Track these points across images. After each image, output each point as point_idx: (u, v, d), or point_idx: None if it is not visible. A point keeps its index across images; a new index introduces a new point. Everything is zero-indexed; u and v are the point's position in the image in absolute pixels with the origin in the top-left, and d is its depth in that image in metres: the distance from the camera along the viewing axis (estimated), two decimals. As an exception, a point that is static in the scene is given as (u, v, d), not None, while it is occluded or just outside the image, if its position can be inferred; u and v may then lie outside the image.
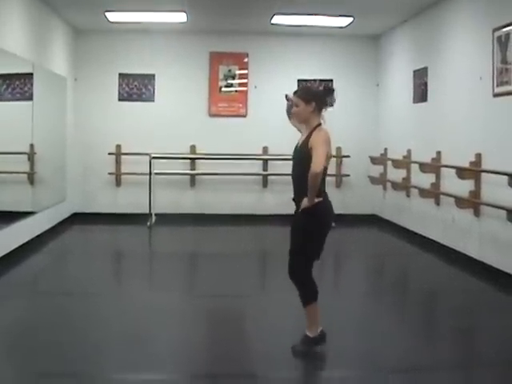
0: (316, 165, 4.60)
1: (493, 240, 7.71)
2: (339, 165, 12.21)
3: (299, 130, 5.12)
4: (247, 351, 5.11)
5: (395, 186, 10.83)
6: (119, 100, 11.97)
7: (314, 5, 9.64)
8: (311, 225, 4.81)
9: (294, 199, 4.93)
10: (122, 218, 11.63)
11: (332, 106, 5.03)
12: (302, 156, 4.81)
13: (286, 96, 5.27)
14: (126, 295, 6.84)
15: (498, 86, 7.54)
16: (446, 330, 5.80)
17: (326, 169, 4.81)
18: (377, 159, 11.62)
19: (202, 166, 11.88)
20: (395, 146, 11.06)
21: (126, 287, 7.50)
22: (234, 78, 12.16)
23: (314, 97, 4.88)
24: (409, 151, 10.35)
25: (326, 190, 4.96)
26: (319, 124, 4.86)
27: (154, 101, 12.01)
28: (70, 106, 11.45)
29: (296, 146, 4.98)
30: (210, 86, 12.04)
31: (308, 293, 4.87)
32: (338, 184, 12.26)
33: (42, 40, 9.68)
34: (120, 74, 11.91)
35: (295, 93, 4.96)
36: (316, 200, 4.72)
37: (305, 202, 4.71)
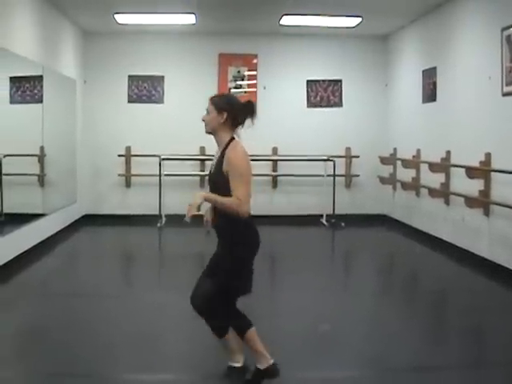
0: (243, 205, 3.91)
1: (503, 239, 7.69)
2: (349, 165, 12.22)
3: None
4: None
5: (405, 185, 10.82)
6: (129, 102, 12.01)
7: (323, 5, 9.64)
8: (237, 260, 4.14)
9: (214, 226, 4.25)
10: (132, 219, 11.67)
11: (242, 124, 4.20)
12: (216, 180, 4.11)
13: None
14: (136, 296, 6.86)
15: (507, 85, 7.52)
16: (456, 330, 5.80)
17: None
18: (386, 159, 11.61)
19: (212, 167, 11.84)
20: (404, 146, 11.05)
21: (136, 288, 7.51)
22: (243, 79, 12.18)
23: (227, 107, 4.15)
24: (418, 151, 10.35)
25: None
26: (232, 139, 4.16)
27: (163, 102, 12.05)
28: (79, 109, 11.50)
29: (211, 166, 4.30)
30: (219, 87, 12.04)
31: (239, 323, 4.29)
32: (348, 184, 12.27)
33: (51, 42, 9.72)
34: (129, 76, 11.95)
35: (211, 98, 4.30)
36: (240, 227, 4.07)
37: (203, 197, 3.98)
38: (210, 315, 4.21)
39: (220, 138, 4.20)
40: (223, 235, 4.18)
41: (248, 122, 4.19)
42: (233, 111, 4.15)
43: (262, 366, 4.25)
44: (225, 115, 4.14)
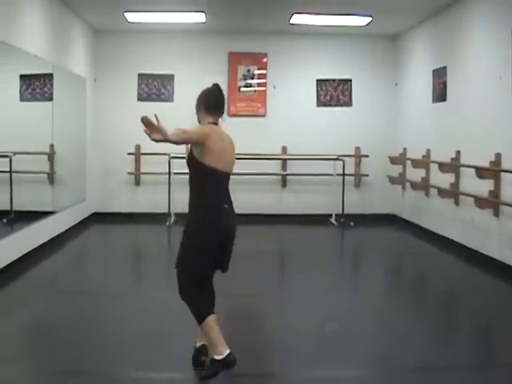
0: (175, 132, 4.26)
1: (512, 240, 7.68)
2: (358, 165, 12.20)
3: None
4: (266, 350, 5.12)
5: (414, 185, 10.79)
6: (138, 100, 12.02)
7: (333, 4, 9.63)
8: (196, 239, 4.65)
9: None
10: (142, 217, 11.69)
11: (216, 109, 4.57)
12: (187, 159, 4.68)
13: None
14: (144, 295, 6.86)
15: (517, 85, 7.51)
16: (464, 330, 5.79)
17: (225, 175, 4.63)
18: (396, 159, 11.59)
19: (221, 166, 11.83)
20: (414, 146, 11.02)
21: (144, 287, 7.52)
22: (252, 77, 12.18)
23: (198, 98, 4.63)
24: (428, 151, 10.32)
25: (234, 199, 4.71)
26: (209, 123, 4.54)
27: (173, 101, 12.06)
28: (89, 107, 11.53)
29: None
30: (229, 86, 12.05)
31: (198, 309, 4.53)
32: (357, 184, 12.26)
33: (61, 41, 9.75)
34: (139, 75, 11.98)
35: None
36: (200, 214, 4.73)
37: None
38: (190, 301, 4.64)
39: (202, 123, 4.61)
40: (189, 209, 4.77)
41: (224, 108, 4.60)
42: (200, 100, 4.59)
43: (218, 356, 4.31)
44: (196, 105, 4.63)
